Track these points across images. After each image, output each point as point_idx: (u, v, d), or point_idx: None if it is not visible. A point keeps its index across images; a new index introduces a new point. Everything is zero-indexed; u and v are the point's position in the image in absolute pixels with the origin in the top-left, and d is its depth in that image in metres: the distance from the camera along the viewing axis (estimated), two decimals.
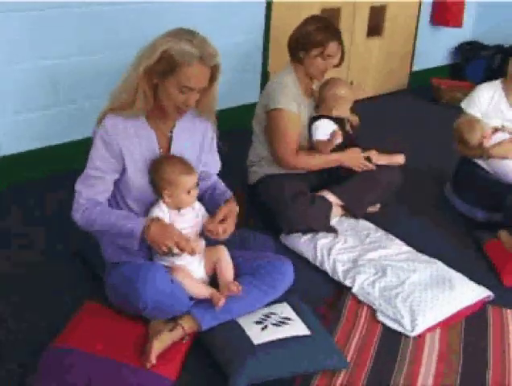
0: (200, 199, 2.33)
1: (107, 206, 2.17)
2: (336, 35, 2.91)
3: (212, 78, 2.11)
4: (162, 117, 2.18)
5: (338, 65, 3.01)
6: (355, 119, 3.11)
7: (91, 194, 2.12)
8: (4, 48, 3.04)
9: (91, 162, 2.12)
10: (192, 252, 2.08)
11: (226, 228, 2.17)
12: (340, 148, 2.96)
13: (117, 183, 2.18)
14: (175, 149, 2.22)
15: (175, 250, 2.05)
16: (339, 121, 2.97)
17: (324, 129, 2.94)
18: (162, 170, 2.12)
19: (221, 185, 2.43)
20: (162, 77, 2.03)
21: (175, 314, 2.10)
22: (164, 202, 2.15)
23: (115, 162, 2.12)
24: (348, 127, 3.02)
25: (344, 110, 2.99)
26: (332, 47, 2.89)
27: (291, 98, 2.92)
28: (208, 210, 2.27)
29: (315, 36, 2.87)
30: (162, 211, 2.14)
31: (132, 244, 2.09)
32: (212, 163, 2.42)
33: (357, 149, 3.01)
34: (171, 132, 2.22)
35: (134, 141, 2.13)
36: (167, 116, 2.17)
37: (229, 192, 2.38)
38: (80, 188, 2.14)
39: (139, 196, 2.18)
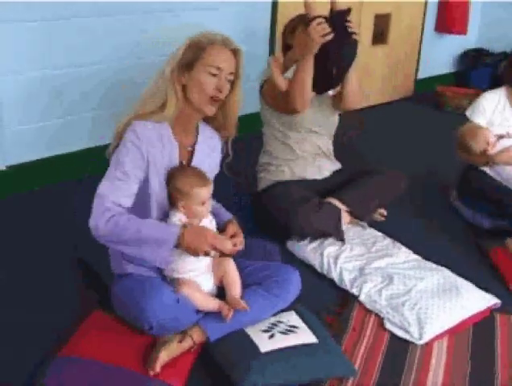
0: None
1: (132, 214, 2.07)
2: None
3: (237, 67, 2.14)
4: (186, 130, 2.19)
5: None
6: None
7: (118, 197, 2.03)
8: (8, 58, 3.06)
9: (119, 165, 2.04)
10: (231, 251, 2.10)
11: (236, 243, 2.16)
12: None
13: (137, 195, 2.13)
14: (195, 164, 2.21)
15: (213, 253, 2.05)
16: None
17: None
18: (176, 181, 2.11)
19: (223, 211, 2.43)
20: (190, 69, 2.08)
21: (181, 330, 2.08)
22: (182, 213, 2.14)
23: (141, 170, 2.07)
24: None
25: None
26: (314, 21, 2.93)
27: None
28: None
29: (297, 18, 3.00)
30: (184, 218, 2.12)
31: (160, 254, 2.03)
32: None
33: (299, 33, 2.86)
34: (193, 147, 2.22)
35: (159, 150, 2.11)
36: (191, 127, 2.19)
37: (227, 213, 2.41)
38: (104, 191, 2.03)
39: (159, 207, 2.15)
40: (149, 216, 2.14)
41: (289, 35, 3.05)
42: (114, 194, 2.03)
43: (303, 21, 2.91)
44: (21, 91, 3.16)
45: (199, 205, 2.12)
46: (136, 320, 2.03)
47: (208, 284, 2.20)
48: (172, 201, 2.15)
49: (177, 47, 2.11)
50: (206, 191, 2.13)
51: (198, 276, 2.18)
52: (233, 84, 2.16)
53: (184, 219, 2.12)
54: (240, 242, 2.19)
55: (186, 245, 2.03)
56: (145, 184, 2.11)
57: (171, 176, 2.13)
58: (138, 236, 2.01)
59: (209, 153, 2.28)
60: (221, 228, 2.27)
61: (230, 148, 2.35)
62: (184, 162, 2.19)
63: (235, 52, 2.14)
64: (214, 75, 2.08)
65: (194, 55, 2.08)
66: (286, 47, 3.10)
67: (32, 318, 2.30)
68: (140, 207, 2.13)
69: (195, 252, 2.04)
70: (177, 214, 2.13)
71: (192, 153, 2.22)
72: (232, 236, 2.20)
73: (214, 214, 2.31)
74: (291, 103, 2.84)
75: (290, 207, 2.84)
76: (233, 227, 2.26)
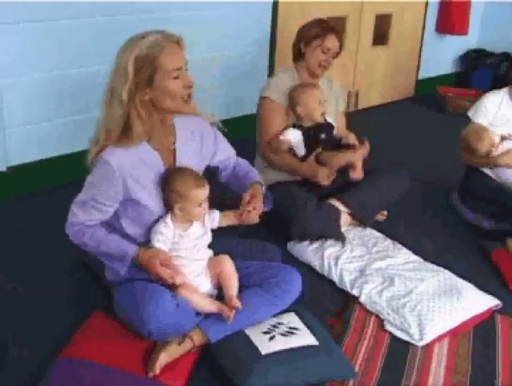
0: (227, 187, 2.42)
1: (99, 228, 2.13)
2: (335, 30, 3.06)
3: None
4: (163, 134, 2.15)
5: (336, 55, 3.09)
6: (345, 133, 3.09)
7: (85, 220, 2.10)
8: (10, 60, 3.05)
9: (89, 192, 2.07)
10: (172, 284, 2.09)
11: (254, 207, 2.21)
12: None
13: (128, 213, 2.14)
14: (181, 161, 2.19)
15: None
16: (309, 130, 2.94)
17: (286, 135, 2.94)
18: (174, 184, 2.09)
19: (242, 166, 2.44)
20: (151, 83, 2.00)
21: (181, 334, 2.08)
22: (173, 216, 2.13)
23: (118, 196, 2.07)
24: (323, 136, 2.96)
25: (308, 110, 2.93)
26: (331, 39, 3.01)
27: (279, 89, 2.99)
28: (237, 194, 2.31)
29: (315, 28, 3.03)
30: (167, 227, 2.12)
31: (121, 268, 2.13)
32: (225, 152, 2.41)
33: (314, 165, 2.92)
34: (174, 144, 2.19)
35: (141, 169, 2.08)
36: (166, 127, 2.16)
37: (253, 172, 2.41)
38: (76, 211, 2.10)
39: (155, 215, 2.15)
40: (144, 223, 2.16)
41: (302, 44, 3.05)
42: (84, 216, 2.10)
43: (321, 34, 2.98)
44: (22, 91, 3.15)
45: (196, 206, 2.11)
46: (136, 327, 2.03)
47: (205, 285, 2.20)
48: (169, 203, 2.14)
49: (115, 70, 2.03)
50: (204, 192, 2.13)
51: (194, 278, 2.17)
52: None
53: (165, 230, 2.12)
54: (255, 207, 2.21)
55: (140, 266, 2.10)
56: (133, 201, 2.11)
57: (168, 179, 2.12)
58: (98, 251, 2.14)
59: (191, 142, 2.25)
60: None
61: (218, 128, 2.36)
62: (167, 165, 2.16)
63: (179, 42, 2.05)
64: (177, 77, 2.02)
65: (149, 70, 1.98)
66: (299, 54, 3.08)
67: (32, 320, 2.30)
68: (137, 219, 2.15)
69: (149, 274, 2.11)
70: (167, 220, 2.13)
71: (175, 151, 2.20)
72: (248, 202, 2.22)
73: (235, 181, 2.39)
74: (268, 160, 3.00)
75: (289, 209, 2.83)
76: (249, 194, 2.24)
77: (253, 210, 2.21)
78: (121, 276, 2.16)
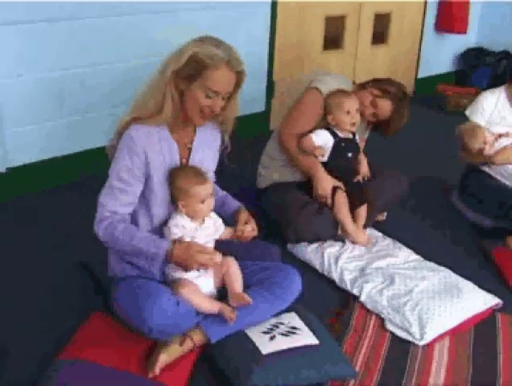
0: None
1: (130, 223, 2.12)
2: (402, 106, 3.02)
3: (237, 85, 2.10)
4: (184, 129, 2.18)
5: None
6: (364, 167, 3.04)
7: (115, 206, 2.08)
8: (9, 60, 3.05)
9: (115, 173, 2.07)
10: (216, 265, 2.14)
11: (254, 227, 2.25)
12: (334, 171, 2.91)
13: (142, 192, 2.15)
14: (194, 161, 2.21)
15: (202, 270, 2.13)
16: (341, 142, 2.89)
17: (319, 136, 2.88)
18: (176, 180, 2.11)
19: (231, 199, 2.43)
20: (188, 81, 2.03)
21: (180, 333, 2.08)
22: (183, 212, 2.14)
23: (140, 173, 2.08)
24: (350, 155, 2.92)
25: (339, 119, 2.85)
26: (388, 106, 2.98)
27: (331, 87, 2.92)
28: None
29: (390, 85, 2.98)
30: (184, 221, 2.13)
31: (153, 266, 2.14)
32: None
33: (329, 181, 2.88)
34: (191, 144, 2.21)
35: (157, 151, 2.11)
36: (189, 126, 2.18)
37: (239, 203, 2.40)
38: (104, 200, 2.08)
39: (162, 206, 2.16)
40: (152, 213, 2.16)
41: (371, 84, 3.01)
42: (112, 203, 2.08)
43: (385, 94, 2.95)
44: (22, 92, 3.15)
45: (199, 203, 2.12)
46: (135, 325, 2.03)
47: (208, 286, 2.20)
48: (174, 200, 2.15)
49: (180, 47, 2.05)
50: (205, 189, 2.13)
51: (199, 277, 2.17)
52: (231, 95, 2.12)
53: (183, 223, 2.12)
54: (254, 228, 2.25)
55: (174, 261, 2.07)
56: (148, 181, 2.12)
57: (172, 175, 2.14)
58: (130, 248, 2.07)
59: (208, 150, 2.28)
60: (231, 217, 2.31)
61: (229, 141, 2.34)
62: (184, 161, 2.19)
63: (239, 74, 2.07)
64: (210, 97, 2.05)
65: (195, 71, 2.01)
66: (364, 84, 3.05)
67: (32, 320, 2.30)
68: (144, 204, 2.15)
69: (184, 268, 2.09)
70: (177, 217, 2.13)
71: (191, 150, 2.22)
72: (246, 222, 2.25)
73: (222, 202, 2.36)
74: (285, 147, 2.95)
75: (288, 213, 2.84)
76: (244, 215, 2.28)
77: (252, 230, 2.25)
78: (125, 272, 2.17)
